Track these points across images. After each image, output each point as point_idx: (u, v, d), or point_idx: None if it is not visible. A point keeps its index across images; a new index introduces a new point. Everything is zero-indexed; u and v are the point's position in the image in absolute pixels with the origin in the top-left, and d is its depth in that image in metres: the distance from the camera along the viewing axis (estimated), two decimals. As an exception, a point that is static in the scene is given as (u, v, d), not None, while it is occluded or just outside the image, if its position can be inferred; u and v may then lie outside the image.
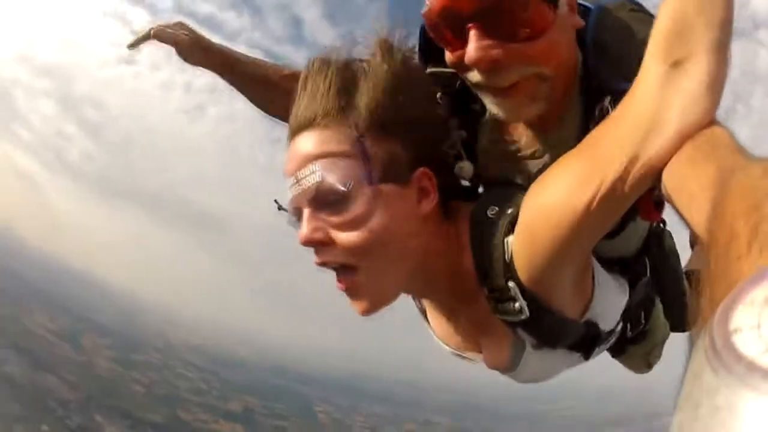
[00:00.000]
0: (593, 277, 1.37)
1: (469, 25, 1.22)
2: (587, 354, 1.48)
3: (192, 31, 1.87)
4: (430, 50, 1.40)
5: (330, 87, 1.23)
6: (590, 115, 1.31)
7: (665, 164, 1.02)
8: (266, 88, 1.84)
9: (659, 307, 1.79)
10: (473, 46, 1.22)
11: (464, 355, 1.57)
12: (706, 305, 0.56)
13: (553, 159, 1.22)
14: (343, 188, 1.18)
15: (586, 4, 1.38)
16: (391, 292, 1.31)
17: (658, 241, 1.68)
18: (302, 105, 1.25)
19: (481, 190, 1.51)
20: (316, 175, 1.19)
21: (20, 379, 63.71)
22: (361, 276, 1.24)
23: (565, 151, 1.17)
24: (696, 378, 0.42)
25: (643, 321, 1.72)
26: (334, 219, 1.21)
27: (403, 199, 1.23)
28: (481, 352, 1.50)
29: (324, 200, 1.20)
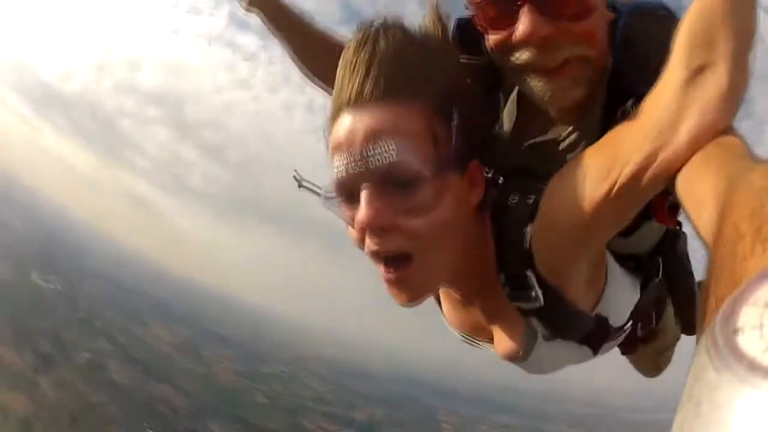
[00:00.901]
0: (606, 272, 1.43)
1: (521, 1, 1.27)
2: (596, 348, 1.50)
3: None
4: (464, 41, 1.43)
5: (400, 59, 1.18)
6: (611, 115, 1.33)
7: (679, 166, 1.08)
8: (320, 51, 1.84)
9: (671, 308, 1.81)
10: (527, 21, 1.26)
11: (473, 340, 1.61)
12: (711, 305, 0.57)
13: (573, 151, 1.31)
14: (420, 171, 1.14)
15: (618, 6, 1.43)
16: (438, 283, 1.34)
17: (673, 243, 1.70)
18: (366, 74, 1.17)
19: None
20: (391, 153, 1.13)
21: (129, 387, 63.31)
22: (414, 266, 1.20)
23: (585, 145, 1.25)
24: (698, 376, 0.43)
25: (654, 321, 1.75)
26: (401, 203, 1.16)
27: (461, 190, 1.23)
28: (492, 341, 1.52)
29: (393, 181, 1.15)
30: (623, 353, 1.91)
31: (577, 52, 1.29)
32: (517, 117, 1.51)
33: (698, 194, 0.97)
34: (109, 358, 67.04)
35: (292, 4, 1.91)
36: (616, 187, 1.12)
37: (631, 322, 1.57)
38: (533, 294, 1.26)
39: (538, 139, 1.47)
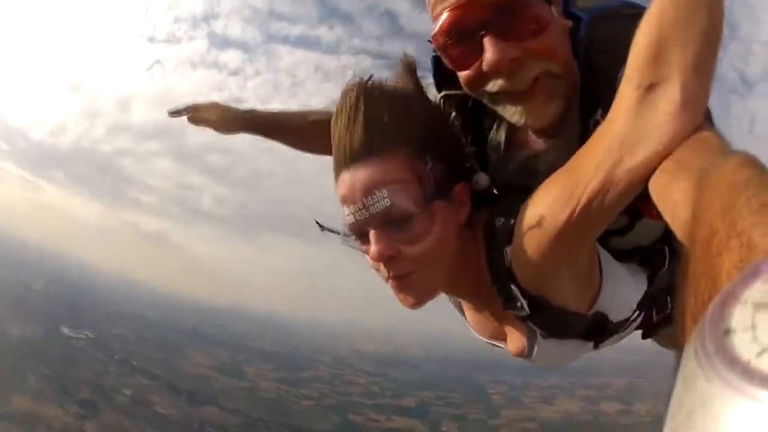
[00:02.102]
0: (601, 272, 1.49)
1: (482, 33, 1.33)
2: (597, 342, 1.64)
3: (220, 107, 2.20)
4: (442, 77, 1.59)
5: (378, 118, 1.36)
6: (586, 126, 1.38)
7: (639, 182, 1.11)
8: (300, 136, 2.16)
9: None
10: (491, 50, 1.33)
11: (495, 343, 1.77)
12: (692, 304, 0.56)
13: (554, 168, 1.31)
14: (411, 210, 1.34)
15: (578, 12, 1.45)
16: (435, 289, 1.49)
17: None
18: (353, 138, 1.36)
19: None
20: (385, 201, 1.33)
21: (176, 416, 64.76)
22: (414, 279, 1.41)
23: (566, 159, 1.28)
24: (688, 383, 0.40)
25: (669, 306, 1.78)
26: (400, 236, 1.36)
27: (448, 212, 1.40)
28: (505, 341, 1.69)
29: (391, 221, 1.35)
30: (643, 337, 2.00)
31: (543, 68, 1.35)
32: (500, 141, 1.61)
33: (672, 197, 0.97)
34: (151, 392, 68.53)
35: (264, 112, 2.17)
36: (578, 210, 1.17)
37: (638, 312, 1.67)
38: (519, 305, 1.39)
39: (519, 158, 1.57)
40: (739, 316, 0.39)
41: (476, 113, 1.58)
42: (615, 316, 1.55)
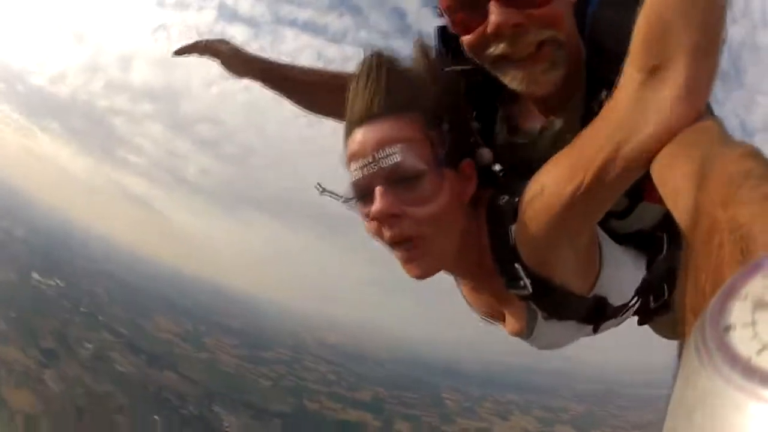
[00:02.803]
0: (601, 255, 1.50)
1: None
2: (597, 325, 1.64)
3: (233, 46, 2.15)
4: (449, 49, 1.61)
5: (397, 82, 1.40)
6: (591, 105, 1.40)
7: (642, 164, 1.11)
8: (309, 89, 2.09)
9: None
10: (496, 12, 1.35)
11: (492, 321, 1.79)
12: (692, 296, 0.56)
13: (559, 147, 1.31)
14: (421, 167, 1.36)
15: None
16: (441, 263, 1.47)
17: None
18: (372, 96, 1.39)
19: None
20: (396, 156, 1.35)
21: (135, 375, 65.16)
22: (419, 247, 1.40)
23: (571, 138, 1.28)
24: (689, 380, 0.40)
25: (666, 293, 1.77)
26: (408, 195, 1.37)
27: (456, 183, 1.42)
28: (504, 320, 1.71)
29: (399, 179, 1.36)
30: (640, 323, 2.01)
31: (547, 35, 1.36)
32: (506, 116, 1.64)
33: (673, 183, 0.98)
34: (113, 349, 68.87)
35: (275, 62, 2.16)
36: (582, 187, 1.18)
37: (637, 298, 1.69)
38: (522, 283, 1.40)
39: (524, 135, 1.60)
40: (740, 312, 0.39)
41: (482, 90, 1.62)
42: (614, 300, 1.58)
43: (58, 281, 79.12)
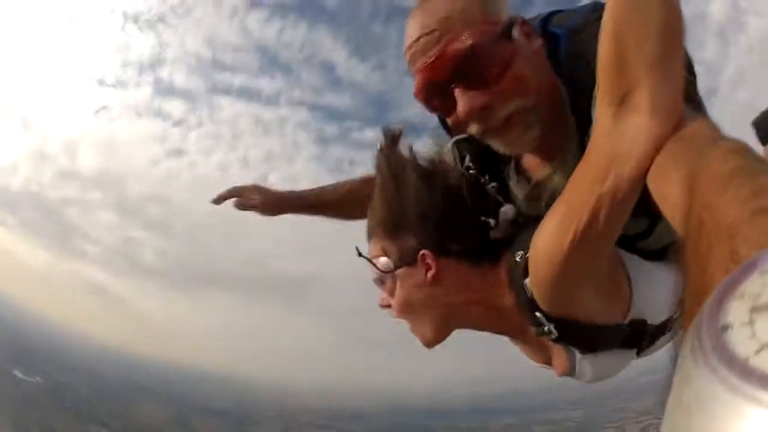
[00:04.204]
0: (629, 278, 1.51)
1: (452, 87, 1.41)
2: (639, 348, 1.64)
3: (264, 192, 2.23)
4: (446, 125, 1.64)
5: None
6: (583, 143, 1.39)
7: (632, 193, 1.11)
8: (336, 208, 2.22)
9: None
10: (461, 101, 1.41)
11: (546, 367, 1.78)
12: (688, 298, 0.56)
13: (559, 192, 1.33)
14: (383, 274, 1.59)
15: (556, 30, 1.50)
16: (431, 334, 1.62)
17: None
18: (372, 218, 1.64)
19: None
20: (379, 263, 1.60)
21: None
22: (413, 323, 1.62)
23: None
24: (686, 380, 0.39)
25: None
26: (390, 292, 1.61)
27: (414, 275, 1.56)
28: (550, 364, 1.73)
29: (383, 281, 1.61)
30: None
31: (513, 107, 1.39)
32: (513, 172, 1.66)
33: (666, 192, 0.98)
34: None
35: (302, 194, 2.28)
36: (578, 235, 1.18)
37: (679, 310, 1.63)
38: (547, 329, 1.45)
39: (531, 185, 1.61)
40: (737, 312, 0.38)
41: (489, 150, 1.62)
42: (653, 318, 1.59)
43: (38, 378, 76.17)
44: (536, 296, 1.41)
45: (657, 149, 1.06)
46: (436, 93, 1.45)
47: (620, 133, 1.11)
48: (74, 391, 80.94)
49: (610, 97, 1.12)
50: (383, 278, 1.62)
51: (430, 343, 1.64)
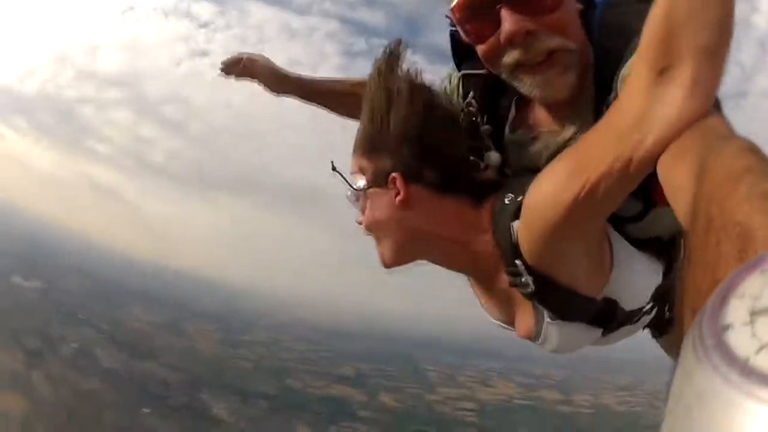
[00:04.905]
0: (612, 256, 1.50)
1: (499, 6, 1.38)
2: (607, 330, 1.64)
3: (271, 65, 2.26)
4: (463, 53, 1.64)
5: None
6: (600, 109, 1.39)
7: (647, 164, 1.10)
8: (339, 101, 2.22)
9: None
10: (508, 21, 1.38)
11: (505, 326, 1.79)
12: (690, 294, 0.55)
13: (566, 148, 1.32)
14: (355, 192, 1.66)
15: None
16: (389, 256, 1.67)
17: None
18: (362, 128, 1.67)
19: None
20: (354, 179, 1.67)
21: (120, 369, 65.52)
22: (378, 242, 1.68)
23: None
24: (687, 377, 0.39)
25: None
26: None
27: (383, 197, 1.60)
28: (513, 323, 1.71)
29: (358, 199, 1.67)
30: (654, 336, 2.03)
31: (557, 42, 1.40)
32: (516, 119, 1.68)
33: (675, 181, 0.98)
34: (96, 345, 69.20)
35: (310, 79, 2.30)
36: (587, 187, 1.17)
37: (652, 304, 1.68)
38: (524, 280, 1.42)
39: (533, 138, 1.61)
40: (738, 311, 0.38)
41: (495, 93, 1.64)
42: (627, 304, 1.57)
43: (38, 283, 78.69)
44: (523, 242, 1.38)
45: (685, 126, 1.04)
46: (479, 10, 1.41)
47: (656, 98, 1.09)
48: (71, 295, 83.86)
49: (653, 62, 1.09)
50: (357, 196, 1.66)
51: (387, 264, 1.69)
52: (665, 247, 1.70)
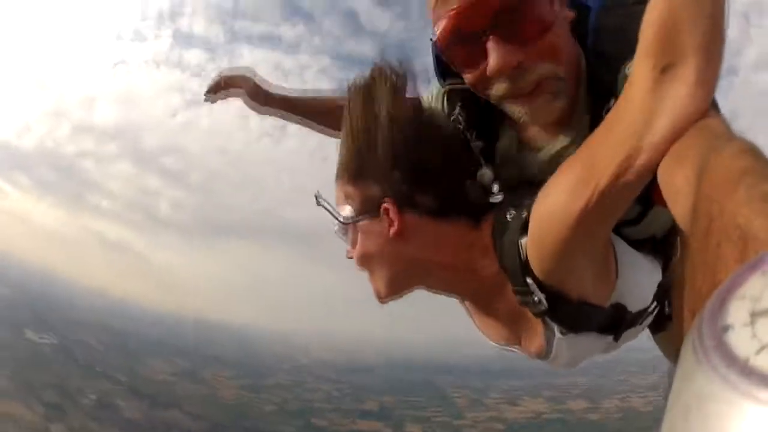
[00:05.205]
0: (616, 261, 1.47)
1: (485, 37, 1.32)
2: (617, 335, 1.60)
3: (253, 81, 2.15)
4: (447, 66, 1.54)
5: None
6: (598, 117, 1.34)
7: (655, 164, 1.08)
8: (325, 114, 2.11)
9: None
10: (495, 54, 1.32)
11: (508, 348, 1.74)
12: (690, 295, 0.55)
13: (564, 160, 1.29)
14: (342, 225, 1.57)
15: (587, 2, 1.45)
16: (384, 288, 1.60)
17: None
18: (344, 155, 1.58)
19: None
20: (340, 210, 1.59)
21: (141, 419, 64.62)
22: (371, 275, 1.60)
23: (575, 151, 1.27)
24: (686, 378, 0.39)
25: None
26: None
27: (376, 228, 1.52)
28: (520, 343, 1.67)
29: (347, 231, 1.58)
30: (653, 332, 2.00)
31: (546, 70, 1.34)
32: (509, 133, 1.61)
33: (674, 182, 0.98)
34: (116, 396, 68.28)
35: (289, 94, 2.18)
36: (595, 197, 1.14)
37: (655, 303, 1.65)
38: (536, 299, 1.37)
39: (529, 151, 1.56)
40: (738, 312, 0.38)
41: (483, 106, 1.56)
42: (633, 306, 1.55)
43: (52, 338, 78.21)
44: (534, 258, 1.32)
45: (690, 123, 1.04)
46: (465, 40, 1.35)
47: (660, 97, 1.08)
48: (87, 348, 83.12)
49: (655, 61, 1.08)
50: (345, 228, 1.57)
51: (382, 297, 1.61)
52: (660, 244, 1.68)
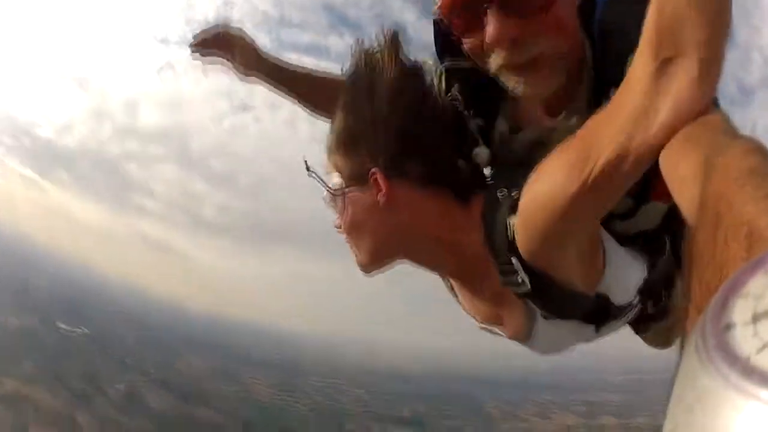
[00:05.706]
0: (604, 252, 1.47)
1: (486, 6, 1.33)
2: (599, 326, 1.60)
3: (247, 38, 2.10)
4: (446, 45, 1.57)
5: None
6: (597, 104, 1.34)
7: (652, 155, 1.09)
8: (315, 89, 2.08)
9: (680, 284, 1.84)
10: (493, 25, 1.32)
11: (490, 328, 1.74)
12: (696, 292, 0.55)
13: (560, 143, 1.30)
14: (332, 194, 1.58)
15: None
16: (366, 257, 1.61)
17: (679, 218, 1.75)
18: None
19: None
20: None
21: (168, 412, 64.84)
22: (355, 244, 1.60)
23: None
24: (688, 378, 0.39)
25: (664, 298, 1.74)
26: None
27: (364, 197, 1.52)
28: (502, 323, 1.67)
29: (335, 200, 1.59)
30: (636, 332, 1.99)
31: (545, 46, 1.34)
32: (507, 114, 1.61)
33: (680, 174, 0.97)
34: (145, 388, 68.86)
35: (281, 61, 2.15)
36: (590, 180, 1.14)
37: (638, 299, 1.65)
38: (519, 279, 1.36)
39: (526, 132, 1.57)
40: (741, 310, 0.38)
41: (480, 86, 1.57)
42: (617, 299, 1.53)
43: (84, 329, 79.47)
44: (522, 238, 1.32)
45: (690, 115, 1.05)
46: (463, 10, 1.37)
47: (658, 90, 1.08)
48: (120, 341, 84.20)
49: (657, 52, 1.08)
50: (333, 197, 1.56)
51: (364, 266, 1.61)
52: (649, 242, 1.67)
